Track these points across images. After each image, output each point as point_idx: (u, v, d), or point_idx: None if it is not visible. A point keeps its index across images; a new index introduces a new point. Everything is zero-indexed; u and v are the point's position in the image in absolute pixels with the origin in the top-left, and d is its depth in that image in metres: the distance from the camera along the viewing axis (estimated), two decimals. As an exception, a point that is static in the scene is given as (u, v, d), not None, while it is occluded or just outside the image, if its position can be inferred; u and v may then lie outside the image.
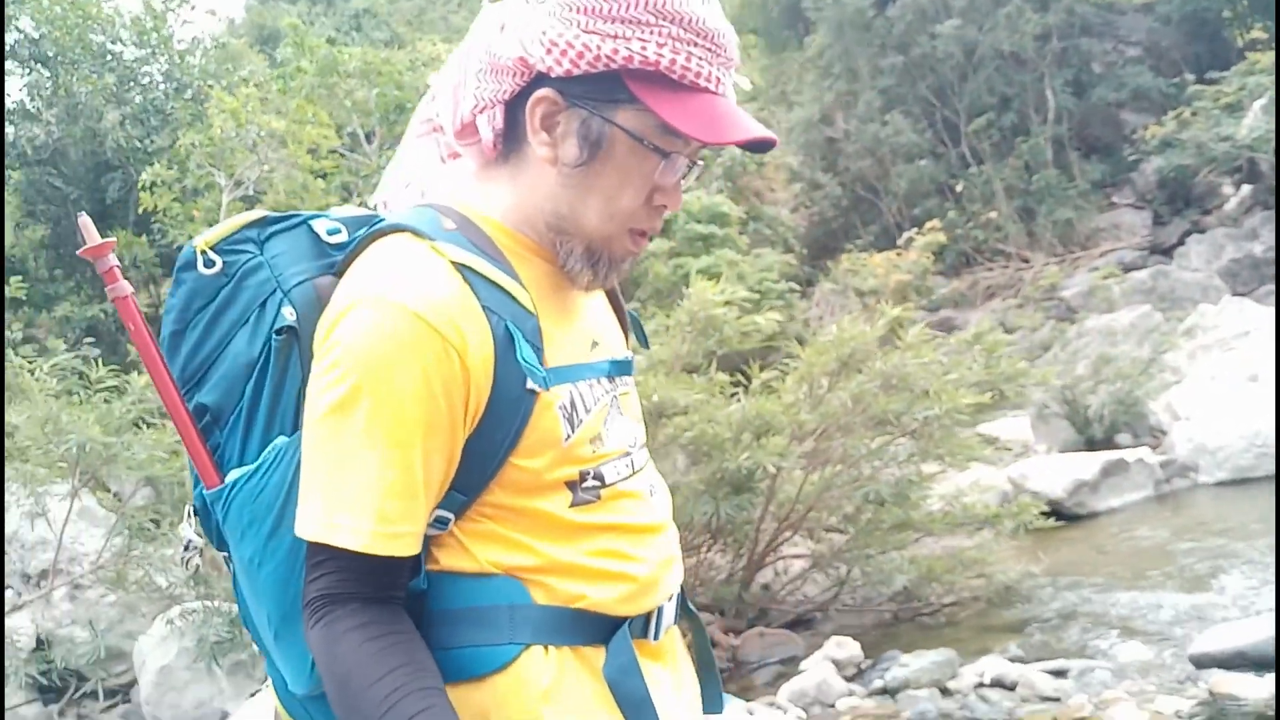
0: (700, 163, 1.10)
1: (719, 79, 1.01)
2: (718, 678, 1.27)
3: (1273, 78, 12.69)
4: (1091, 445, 9.50)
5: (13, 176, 11.52)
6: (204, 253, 1.04)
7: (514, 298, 1.01)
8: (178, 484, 4.81)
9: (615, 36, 0.98)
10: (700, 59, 1.00)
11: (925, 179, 15.06)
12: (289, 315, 1.01)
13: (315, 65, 9.48)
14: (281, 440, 1.01)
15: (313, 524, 0.96)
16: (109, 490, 5.99)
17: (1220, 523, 7.07)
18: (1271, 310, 10.07)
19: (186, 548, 1.12)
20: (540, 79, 1.02)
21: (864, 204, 15.50)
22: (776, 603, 5.93)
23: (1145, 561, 6.38)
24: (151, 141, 10.28)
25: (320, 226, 1.08)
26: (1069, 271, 13.28)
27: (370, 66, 9.69)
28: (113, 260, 1.10)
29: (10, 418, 4.64)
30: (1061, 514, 8.17)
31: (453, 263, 0.98)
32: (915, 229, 12.02)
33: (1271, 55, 13.05)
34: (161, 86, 10.79)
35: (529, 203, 1.06)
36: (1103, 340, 10.50)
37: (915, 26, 15.57)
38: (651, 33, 0.98)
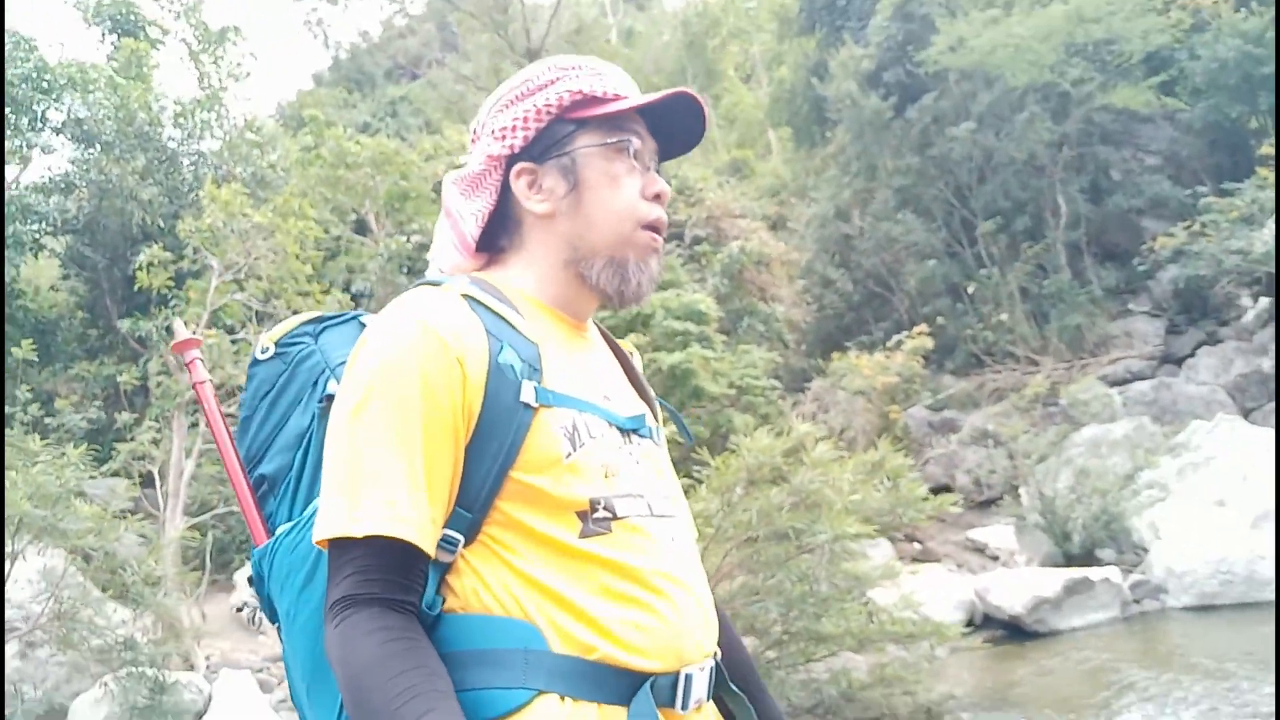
0: (653, 169, 1.25)
1: (622, 95, 1.22)
2: None
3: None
4: (1070, 560, 9.39)
5: (52, 243, 12.27)
6: (263, 344, 1.24)
7: (514, 326, 1.12)
8: (106, 554, 5.11)
9: (543, 98, 1.20)
10: (607, 80, 1.22)
11: (937, 278, 15.14)
12: (332, 386, 1.15)
13: (330, 154, 10.04)
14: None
15: (331, 523, 1.02)
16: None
17: (1176, 652, 6.97)
18: (1262, 430, 9.93)
19: (241, 609, 1.28)
20: (511, 162, 1.22)
21: (876, 300, 15.60)
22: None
23: (1080, 689, 6.32)
24: (178, 218, 10.90)
25: (368, 320, 1.25)
26: (1077, 378, 13.18)
27: (382, 157, 10.21)
28: (196, 354, 1.31)
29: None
30: (1023, 631, 8.12)
31: (462, 295, 1.12)
32: (907, 332, 12.11)
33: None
34: (190, 167, 11.43)
35: (545, 264, 1.21)
36: (1091, 452, 10.40)
37: (933, 130, 15.79)
38: (563, 83, 1.21)
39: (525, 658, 1.01)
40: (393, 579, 1.01)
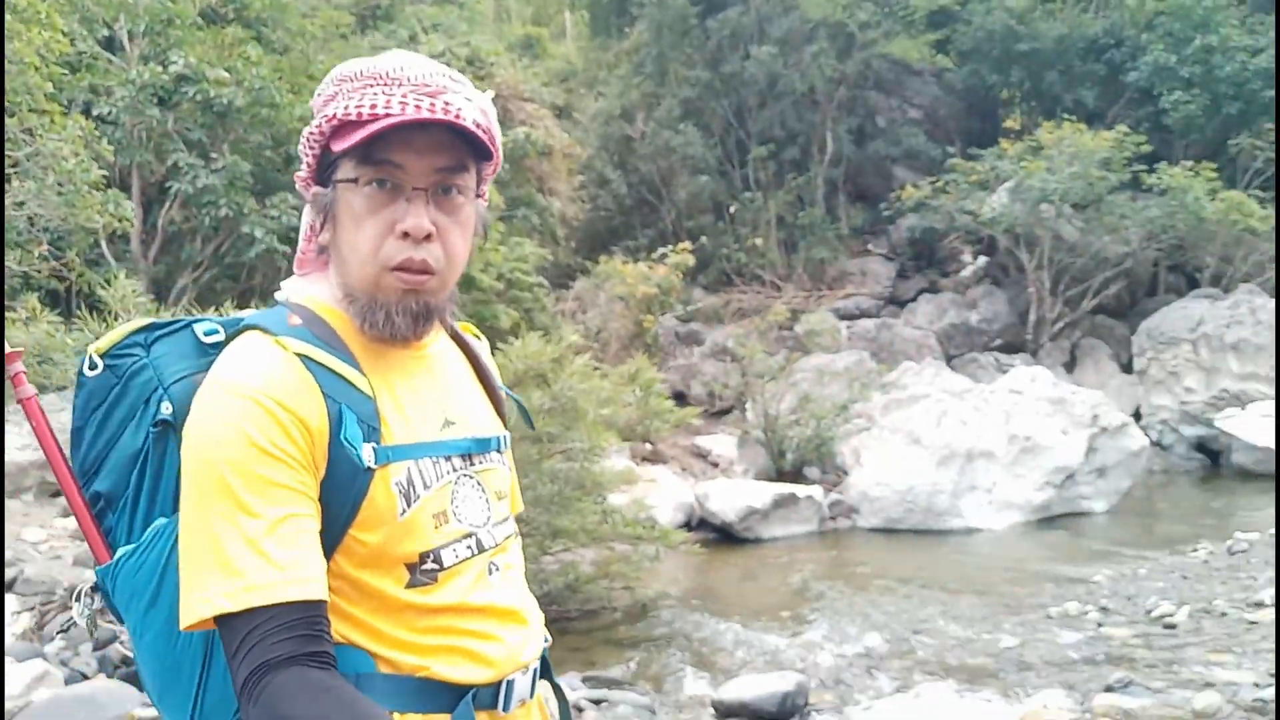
0: (455, 190, 1.15)
1: (406, 104, 1.11)
2: None
3: (1018, 167, 14.04)
4: (781, 475, 10.34)
5: None
6: (91, 358, 1.16)
7: (351, 383, 1.11)
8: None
9: (316, 121, 1.15)
10: (374, 95, 1.12)
11: (705, 194, 15.73)
12: (165, 409, 1.12)
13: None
14: (161, 521, 1.11)
15: (220, 599, 1.00)
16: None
17: (861, 567, 7.94)
18: (960, 377, 11.25)
19: (66, 629, 1.22)
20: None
21: (646, 207, 16.02)
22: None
23: (779, 596, 7.10)
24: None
25: (200, 329, 1.19)
26: (813, 307, 14.26)
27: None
28: (20, 367, 1.22)
29: None
30: (733, 536, 8.94)
31: (295, 354, 1.09)
32: (672, 246, 12.61)
33: (1021, 147, 14.42)
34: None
35: (335, 287, 1.19)
36: (815, 379, 11.37)
37: (729, 44, 16.15)
38: (337, 99, 1.14)
39: (356, 681, 1.07)
40: (299, 633, 1.01)
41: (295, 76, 10.20)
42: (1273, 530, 7.62)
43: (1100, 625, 5.65)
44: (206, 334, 1.19)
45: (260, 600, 1.00)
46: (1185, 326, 12.73)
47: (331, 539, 1.08)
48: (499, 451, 1.27)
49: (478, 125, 1.14)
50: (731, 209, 15.75)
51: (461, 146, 1.14)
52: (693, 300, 14.24)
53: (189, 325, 1.20)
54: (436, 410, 1.20)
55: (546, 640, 1.29)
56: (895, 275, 15.78)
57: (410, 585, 1.11)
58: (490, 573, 1.19)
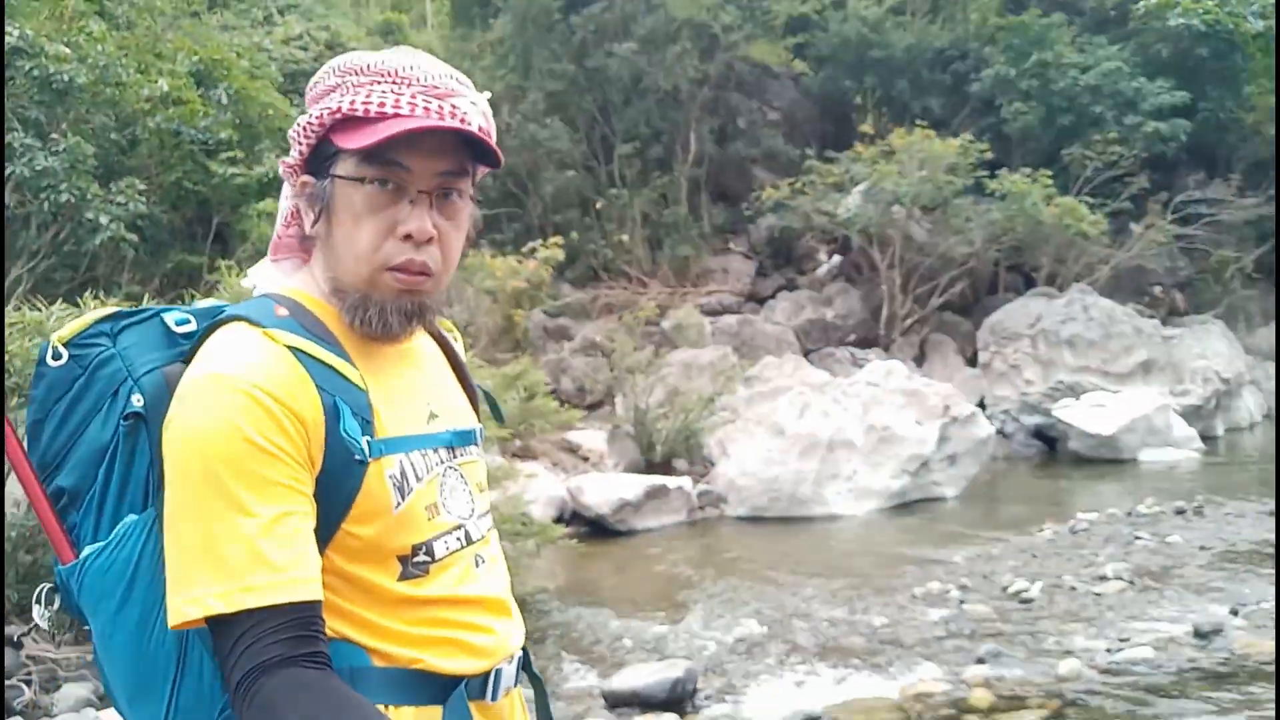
0: (460, 195, 1.15)
1: (415, 105, 1.10)
2: None
3: (871, 170, 14.63)
4: (651, 467, 10.48)
5: None
6: (54, 347, 1.10)
7: (344, 376, 1.09)
8: None
9: (316, 110, 1.12)
10: (382, 92, 1.10)
11: (571, 190, 15.72)
12: (137, 402, 1.07)
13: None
14: (131, 518, 1.06)
15: (213, 599, 0.98)
16: None
17: (733, 555, 8.11)
18: (818, 370, 11.65)
19: (29, 631, 1.16)
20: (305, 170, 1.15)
21: (512, 200, 15.87)
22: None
23: (656, 586, 7.18)
24: None
25: (170, 319, 1.15)
26: (678, 304, 14.47)
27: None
28: None
29: None
30: (606, 529, 8.99)
31: (286, 346, 1.06)
32: (541, 240, 12.58)
33: (874, 151, 15.01)
34: None
35: (321, 280, 1.16)
36: (682, 373, 11.56)
37: (593, 41, 16.18)
38: (341, 91, 1.12)
39: (351, 675, 1.06)
40: (293, 636, 0.99)
41: (142, 54, 9.67)
42: (1112, 509, 8.22)
43: (962, 603, 5.96)
44: (178, 324, 1.15)
45: (256, 602, 0.98)
46: (1024, 323, 13.56)
47: (325, 534, 1.06)
48: (476, 444, 1.28)
49: (482, 130, 1.15)
50: (598, 205, 15.80)
51: (464, 150, 1.14)
52: (561, 295, 14.22)
53: (157, 314, 1.17)
54: (421, 403, 1.20)
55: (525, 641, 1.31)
56: (755, 273, 16.19)
57: (402, 578, 1.11)
58: (477, 565, 1.20)
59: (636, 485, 9.25)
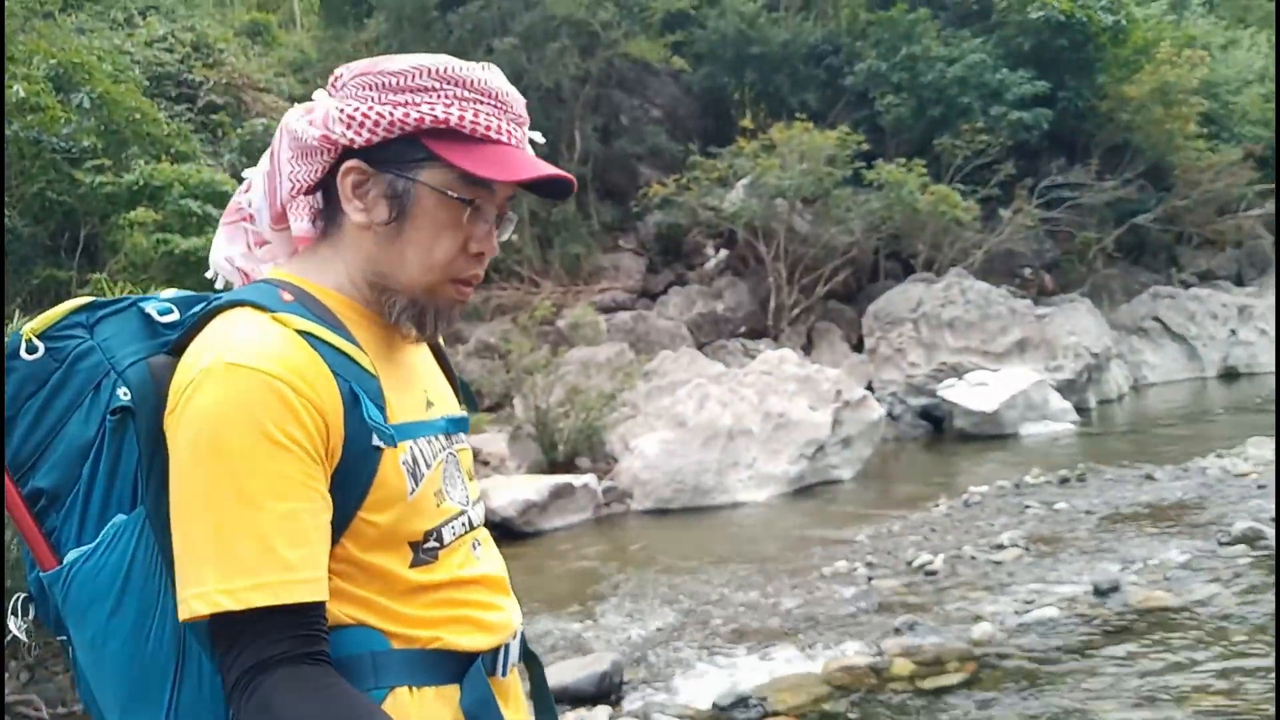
0: (513, 215, 1.20)
1: (509, 132, 1.12)
2: (555, 718, 1.34)
3: (754, 164, 14.89)
4: (554, 467, 10.44)
5: None
6: (28, 340, 1.05)
7: (356, 361, 1.07)
8: None
9: (407, 104, 1.08)
10: (487, 114, 1.10)
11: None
12: (124, 395, 1.03)
13: None
14: (120, 518, 1.02)
15: (221, 595, 0.96)
16: None
17: (642, 548, 8.14)
18: (712, 362, 11.80)
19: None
20: (347, 153, 1.10)
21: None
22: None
23: (569, 585, 7.15)
24: None
25: (150, 308, 1.11)
26: (571, 302, 14.44)
27: None
28: None
29: None
30: (513, 531, 8.91)
31: (296, 330, 1.04)
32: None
33: (755, 145, 15.28)
34: None
35: (354, 269, 1.13)
36: (581, 371, 11.55)
37: (470, 40, 15.99)
38: (439, 96, 1.09)
39: (373, 659, 1.07)
40: (295, 634, 0.98)
41: (-7, 58, 9.09)
42: (1001, 481, 8.57)
43: (870, 579, 6.12)
44: (160, 313, 1.12)
45: (265, 600, 0.97)
46: (906, 308, 14.02)
47: (341, 522, 1.05)
48: (466, 432, 1.29)
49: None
50: (485, 205, 15.62)
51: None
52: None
53: (135, 304, 1.13)
54: (419, 390, 1.20)
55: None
56: (646, 269, 16.30)
57: (414, 565, 1.11)
58: (474, 548, 1.22)
59: (542, 486, 9.21)
